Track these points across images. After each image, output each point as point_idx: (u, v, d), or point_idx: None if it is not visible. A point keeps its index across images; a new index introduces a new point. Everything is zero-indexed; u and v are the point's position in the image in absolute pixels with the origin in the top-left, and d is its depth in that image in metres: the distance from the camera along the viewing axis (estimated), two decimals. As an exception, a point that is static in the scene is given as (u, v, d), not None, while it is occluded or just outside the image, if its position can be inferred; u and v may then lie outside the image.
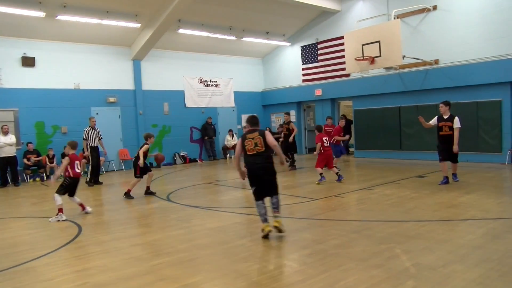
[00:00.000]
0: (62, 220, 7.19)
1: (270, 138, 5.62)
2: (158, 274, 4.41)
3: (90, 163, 11.88)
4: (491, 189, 8.41)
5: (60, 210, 7.31)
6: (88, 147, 11.76)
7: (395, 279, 3.92)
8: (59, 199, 7.37)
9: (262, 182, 5.60)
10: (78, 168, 7.69)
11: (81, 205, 7.80)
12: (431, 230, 5.55)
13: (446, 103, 8.91)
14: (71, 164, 7.60)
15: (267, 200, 5.67)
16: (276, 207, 5.61)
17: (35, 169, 13.53)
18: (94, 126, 12.01)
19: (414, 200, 7.55)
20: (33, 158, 13.33)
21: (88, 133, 11.76)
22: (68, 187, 7.59)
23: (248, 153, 5.60)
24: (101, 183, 11.92)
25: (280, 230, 5.50)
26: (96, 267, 4.74)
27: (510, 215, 6.16)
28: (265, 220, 5.55)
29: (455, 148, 8.74)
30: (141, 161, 9.16)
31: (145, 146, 9.34)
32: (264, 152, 5.57)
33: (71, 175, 7.58)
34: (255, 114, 6.02)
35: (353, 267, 4.32)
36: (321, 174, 10.01)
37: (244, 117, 19.57)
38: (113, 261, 4.94)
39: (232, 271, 4.40)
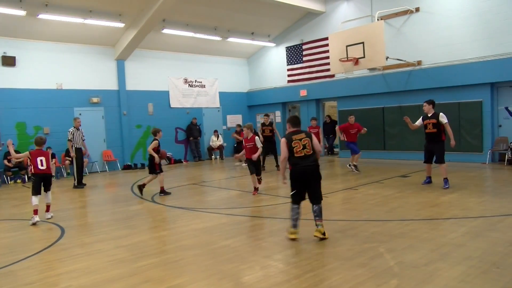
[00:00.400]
0: (34, 223, 6.94)
1: (316, 141, 5.54)
2: (143, 276, 4.37)
3: (75, 164, 11.62)
4: (473, 188, 8.57)
5: (35, 212, 7.05)
6: (74, 148, 11.50)
7: (379, 278, 3.96)
8: (33, 200, 7.13)
9: (308, 187, 5.42)
10: (42, 165, 7.30)
11: (48, 206, 7.51)
12: (415, 229, 5.62)
13: (429, 102, 8.99)
14: (32, 160, 7.26)
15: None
16: (318, 214, 5.38)
17: (16, 171, 13.27)
18: (79, 127, 11.79)
19: (398, 200, 7.64)
20: (14, 160, 13.06)
21: (73, 134, 11.52)
22: (35, 185, 7.26)
23: (295, 155, 5.39)
24: (84, 184, 11.71)
25: (323, 238, 5.30)
26: (79, 269, 4.67)
27: (491, 214, 6.28)
28: (294, 226, 5.39)
29: (452, 142, 8.88)
30: (156, 158, 9.27)
31: (154, 142, 9.35)
32: (312, 155, 5.43)
33: (33, 171, 7.34)
34: (296, 114, 5.84)
35: (337, 267, 4.34)
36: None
37: (230, 118, 19.61)
38: (97, 263, 4.87)
39: (218, 272, 4.38)
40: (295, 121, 5.65)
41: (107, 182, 12.86)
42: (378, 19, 13.24)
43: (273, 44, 18.80)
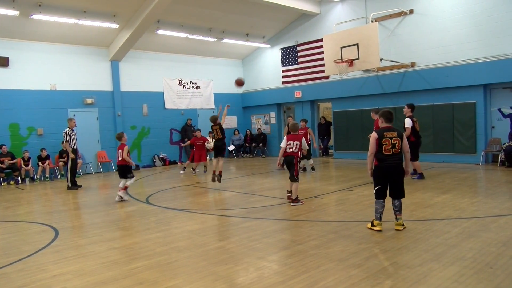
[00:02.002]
0: (121, 197, 8.91)
1: (405, 142, 5.64)
2: (136, 277, 4.35)
3: (69, 166, 11.51)
4: (466, 189, 8.62)
5: (120, 189, 8.97)
6: (70, 149, 11.41)
7: (374, 279, 3.97)
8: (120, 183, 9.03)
9: (393, 183, 5.59)
10: (119, 157, 8.84)
11: (124, 188, 8.97)
12: (408, 229, 5.65)
13: (408, 106, 9.69)
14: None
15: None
16: (398, 209, 5.65)
17: (9, 172, 13.17)
18: (73, 128, 11.70)
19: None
20: (7, 161, 12.98)
21: (69, 135, 11.42)
22: (118, 172, 9.17)
23: (384, 152, 5.51)
24: (80, 186, 11.63)
25: (403, 227, 5.66)
26: (73, 271, 4.64)
27: (484, 214, 6.32)
28: (379, 218, 5.64)
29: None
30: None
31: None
32: (399, 153, 5.58)
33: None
34: (390, 110, 5.82)
35: (332, 267, 4.35)
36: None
37: (225, 119, 19.53)
38: (90, 265, 4.84)
39: (212, 273, 4.37)
40: (388, 117, 5.64)
41: (101, 183, 12.80)
42: (372, 21, 13.30)
43: (268, 46, 18.83)
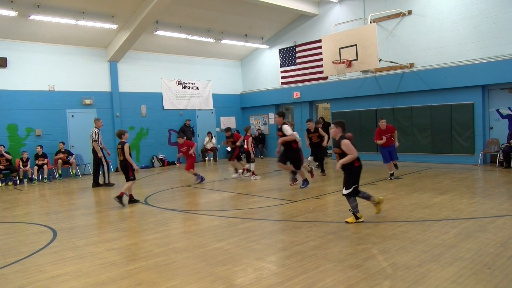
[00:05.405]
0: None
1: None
2: (135, 278, 4.34)
3: (105, 164, 11.80)
4: (464, 190, 8.63)
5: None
6: (99, 148, 11.59)
7: (372, 280, 3.97)
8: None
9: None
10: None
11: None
12: (407, 230, 5.65)
13: (279, 114, 9.66)
14: None
15: None
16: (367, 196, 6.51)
17: (7, 173, 13.14)
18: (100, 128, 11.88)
19: (390, 201, 7.67)
20: (5, 161, 12.93)
21: (98, 135, 11.58)
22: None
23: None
24: (101, 185, 11.81)
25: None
26: (71, 272, 4.63)
27: (481, 215, 6.33)
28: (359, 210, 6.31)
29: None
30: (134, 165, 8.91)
31: (127, 145, 8.82)
32: None
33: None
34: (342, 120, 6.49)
35: (330, 268, 4.35)
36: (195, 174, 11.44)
37: (223, 120, 19.57)
38: (89, 266, 4.84)
39: (210, 274, 4.37)
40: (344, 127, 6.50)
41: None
42: (370, 22, 13.32)
43: (266, 46, 18.83)
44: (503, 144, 12.03)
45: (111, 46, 15.49)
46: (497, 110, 12.60)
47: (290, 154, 9.43)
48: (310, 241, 5.34)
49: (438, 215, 6.48)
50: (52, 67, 14.49)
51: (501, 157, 11.90)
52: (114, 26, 14.16)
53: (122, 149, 8.75)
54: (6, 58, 13.41)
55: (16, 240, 6.31)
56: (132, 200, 8.82)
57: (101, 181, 11.92)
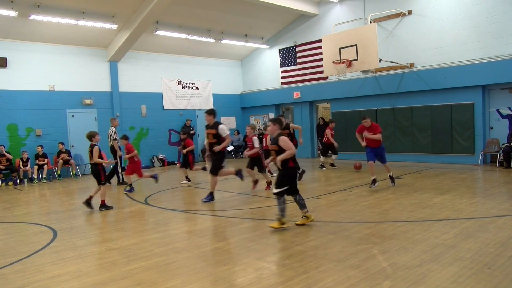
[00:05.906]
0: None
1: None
2: (135, 278, 4.34)
3: (119, 162, 11.86)
4: (464, 189, 8.63)
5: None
6: (118, 146, 11.68)
7: (372, 280, 3.97)
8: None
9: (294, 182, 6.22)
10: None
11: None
12: (407, 230, 5.65)
13: (209, 112, 8.51)
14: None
15: None
16: (304, 204, 6.25)
17: (8, 173, 13.14)
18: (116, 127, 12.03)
19: (391, 201, 7.67)
20: (5, 161, 12.93)
21: (116, 134, 11.66)
22: None
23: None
24: (110, 183, 11.91)
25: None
26: (71, 272, 4.63)
27: (482, 215, 6.33)
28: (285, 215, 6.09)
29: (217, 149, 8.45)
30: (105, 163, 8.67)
31: (96, 148, 8.26)
32: None
33: None
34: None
35: (331, 268, 4.35)
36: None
37: (223, 120, 19.53)
38: (89, 266, 4.84)
39: (210, 274, 4.37)
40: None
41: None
42: (370, 22, 13.32)
43: (266, 46, 18.83)
44: (503, 144, 12.03)
45: (111, 46, 15.49)
46: (497, 110, 12.60)
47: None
48: (310, 241, 5.34)
49: (438, 215, 6.48)
50: (52, 67, 14.50)
51: (501, 157, 11.90)
52: (114, 26, 14.16)
53: (92, 152, 8.21)
54: (6, 58, 13.41)
55: (16, 240, 6.31)
56: (104, 206, 8.22)
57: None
